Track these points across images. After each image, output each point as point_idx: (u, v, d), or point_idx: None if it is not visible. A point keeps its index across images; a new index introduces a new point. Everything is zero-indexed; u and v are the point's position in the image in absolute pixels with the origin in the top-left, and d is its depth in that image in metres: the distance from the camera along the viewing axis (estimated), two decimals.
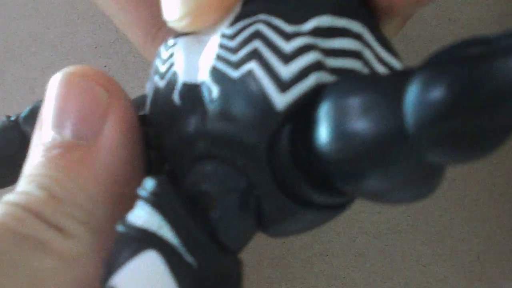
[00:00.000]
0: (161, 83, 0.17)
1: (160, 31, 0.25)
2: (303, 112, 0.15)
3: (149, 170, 0.19)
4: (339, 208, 0.17)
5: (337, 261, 0.33)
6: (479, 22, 0.33)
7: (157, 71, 0.18)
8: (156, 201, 0.14)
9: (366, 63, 0.16)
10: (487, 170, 0.33)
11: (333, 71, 0.15)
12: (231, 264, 0.15)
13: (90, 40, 0.35)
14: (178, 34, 0.17)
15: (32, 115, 0.23)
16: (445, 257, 0.33)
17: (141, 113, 0.19)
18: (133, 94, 0.35)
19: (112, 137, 0.16)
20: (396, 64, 0.17)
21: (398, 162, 0.12)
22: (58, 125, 0.16)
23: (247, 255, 0.37)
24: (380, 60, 0.16)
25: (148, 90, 0.19)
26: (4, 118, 0.24)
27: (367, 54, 0.16)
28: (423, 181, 0.13)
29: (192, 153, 0.16)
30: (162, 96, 0.17)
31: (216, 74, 0.15)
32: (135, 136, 0.17)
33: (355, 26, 0.16)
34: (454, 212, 0.33)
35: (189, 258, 0.14)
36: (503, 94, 0.10)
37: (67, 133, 0.16)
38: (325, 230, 0.33)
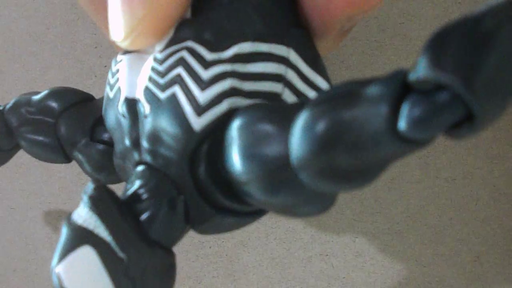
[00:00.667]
0: (111, 94, 0.20)
1: None
2: (217, 132, 0.17)
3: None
4: (255, 214, 0.18)
5: (337, 261, 0.33)
6: None
7: (108, 82, 0.20)
8: (93, 204, 0.16)
9: (287, 84, 0.17)
10: (487, 170, 0.33)
11: (250, 94, 0.17)
12: (161, 257, 0.17)
13: (90, 40, 0.35)
14: (125, 51, 0.19)
15: (16, 106, 0.23)
16: (445, 257, 0.33)
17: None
18: None
19: None
20: (321, 82, 0.18)
21: (287, 186, 0.14)
22: None
23: (247, 255, 0.37)
24: (304, 80, 0.18)
25: (104, 96, 0.21)
26: None
27: (290, 75, 0.18)
28: (317, 200, 0.14)
29: (133, 158, 0.19)
30: (111, 105, 0.19)
31: (148, 94, 0.18)
32: None
33: (279, 49, 0.17)
34: (454, 212, 0.33)
35: (120, 254, 0.16)
36: (364, 140, 0.11)
37: None
38: (325, 230, 0.33)
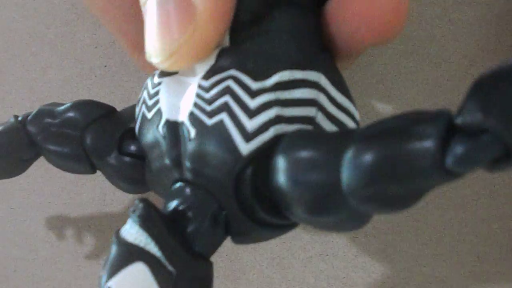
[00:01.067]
0: (148, 115, 0.20)
1: None
2: (263, 156, 0.18)
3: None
4: (290, 226, 0.20)
5: (337, 261, 0.33)
6: (479, 22, 0.33)
7: (144, 102, 0.21)
8: (143, 222, 0.17)
9: (320, 108, 0.19)
10: None
11: (290, 119, 0.18)
12: (204, 268, 0.18)
13: (90, 40, 0.35)
14: (162, 73, 0.20)
15: (38, 117, 0.24)
16: (445, 257, 0.33)
17: (133, 125, 0.23)
18: (133, 94, 0.35)
19: None
20: (349, 105, 0.20)
21: (333, 208, 0.15)
22: None
23: (247, 255, 0.37)
24: (334, 103, 0.19)
25: (137, 113, 0.22)
26: (12, 119, 0.25)
27: (322, 99, 0.19)
28: (357, 218, 0.16)
29: (172, 176, 0.20)
30: (149, 125, 0.20)
31: (193, 119, 0.19)
32: None
33: (311, 75, 0.18)
34: (454, 212, 0.33)
35: (170, 267, 0.17)
36: (413, 173, 0.13)
37: None
38: None
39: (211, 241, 0.19)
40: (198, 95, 0.19)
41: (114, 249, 0.17)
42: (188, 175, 0.19)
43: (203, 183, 0.19)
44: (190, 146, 0.19)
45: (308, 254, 0.34)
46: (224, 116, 0.18)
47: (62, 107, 0.24)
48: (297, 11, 0.20)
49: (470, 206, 0.33)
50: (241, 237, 0.20)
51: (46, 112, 0.24)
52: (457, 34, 0.33)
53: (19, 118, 0.24)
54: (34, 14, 0.35)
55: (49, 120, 0.23)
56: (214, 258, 0.35)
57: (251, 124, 0.18)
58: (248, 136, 0.18)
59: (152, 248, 0.17)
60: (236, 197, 0.19)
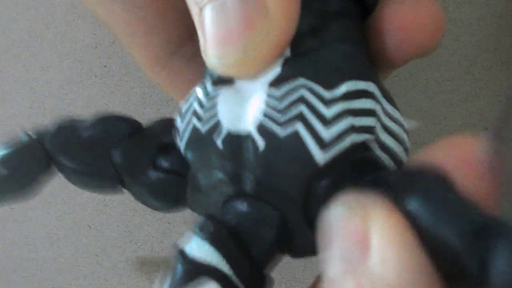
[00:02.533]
0: (203, 127, 0.19)
1: (172, 58, 0.25)
2: (340, 169, 0.18)
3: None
4: None
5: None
6: (479, 22, 0.33)
7: (195, 114, 0.20)
8: (214, 241, 0.17)
9: (378, 118, 0.19)
10: None
11: (358, 129, 0.18)
12: (269, 284, 0.18)
13: (90, 40, 0.35)
14: (217, 82, 0.19)
15: (60, 135, 0.22)
16: None
17: (167, 140, 0.22)
18: (133, 94, 0.35)
19: None
20: (398, 115, 0.20)
21: None
22: None
23: None
24: (387, 114, 0.19)
25: (183, 127, 0.20)
26: (24, 136, 0.23)
27: (379, 109, 0.19)
28: None
29: (226, 191, 0.19)
30: (203, 137, 0.19)
31: (263, 130, 0.18)
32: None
33: (369, 86, 0.18)
34: None
35: (240, 285, 0.17)
36: None
37: None
38: None
39: (275, 257, 0.18)
40: (268, 105, 0.18)
41: (181, 269, 0.17)
42: (249, 188, 0.18)
43: (266, 196, 0.18)
44: (258, 158, 0.18)
45: None
46: (299, 126, 0.17)
47: (86, 124, 0.22)
48: (352, 22, 0.20)
49: None
50: (303, 252, 0.19)
51: (68, 129, 0.22)
52: (457, 34, 0.33)
53: (34, 136, 0.23)
54: (34, 14, 0.35)
55: (73, 138, 0.22)
56: None
57: (328, 133, 0.17)
58: (324, 145, 0.17)
59: (224, 266, 0.17)
60: (304, 208, 0.18)
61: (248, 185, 0.18)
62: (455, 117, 0.33)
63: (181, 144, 0.21)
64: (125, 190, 0.23)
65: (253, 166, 0.18)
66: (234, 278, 0.17)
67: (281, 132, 0.18)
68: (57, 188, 0.36)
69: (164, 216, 0.34)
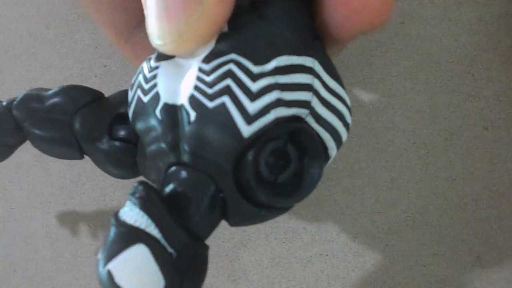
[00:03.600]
0: (145, 98, 0.20)
1: (133, 33, 0.27)
2: (265, 140, 0.18)
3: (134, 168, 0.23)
4: (286, 208, 0.20)
5: (337, 261, 0.33)
6: (479, 22, 0.33)
7: (140, 86, 0.21)
8: (144, 205, 0.18)
9: (315, 93, 0.19)
10: (487, 170, 0.33)
11: (289, 103, 0.19)
12: (202, 250, 0.19)
13: (90, 40, 0.35)
14: (159, 57, 0.20)
15: (25, 102, 0.24)
16: (445, 257, 0.33)
17: (123, 110, 0.23)
18: None
19: None
20: (341, 91, 0.20)
21: None
22: None
23: (248, 255, 0.37)
24: (327, 89, 0.20)
25: (131, 97, 0.22)
26: None
27: (317, 84, 0.19)
28: None
29: (168, 160, 0.20)
30: (146, 108, 0.20)
31: (194, 102, 0.19)
32: None
33: (307, 61, 0.19)
34: (454, 212, 0.33)
35: (170, 249, 0.17)
36: None
37: None
38: (325, 230, 0.33)
39: (209, 224, 0.19)
40: (198, 78, 0.19)
41: (113, 232, 0.18)
42: (185, 158, 0.19)
43: (201, 166, 0.19)
44: (190, 129, 0.19)
45: (308, 254, 0.34)
46: (226, 99, 0.18)
47: (50, 92, 0.24)
48: None
49: (470, 206, 0.33)
50: (237, 218, 0.20)
51: (33, 97, 0.24)
52: (457, 34, 0.33)
53: (3, 103, 0.24)
54: (34, 14, 0.35)
55: (37, 105, 0.23)
56: (214, 258, 0.35)
57: (253, 107, 0.18)
58: (250, 119, 0.18)
59: (153, 230, 0.17)
60: (235, 179, 0.19)
61: (184, 155, 0.19)
62: (455, 117, 0.33)
63: (130, 114, 0.21)
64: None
65: (187, 137, 0.19)
66: (163, 241, 0.17)
67: (209, 104, 0.18)
68: (57, 188, 0.36)
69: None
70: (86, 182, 0.36)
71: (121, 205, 0.36)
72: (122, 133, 0.22)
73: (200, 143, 0.19)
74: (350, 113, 0.21)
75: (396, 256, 0.33)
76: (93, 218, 0.36)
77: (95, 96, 0.24)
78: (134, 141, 0.22)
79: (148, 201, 0.18)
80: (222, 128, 0.18)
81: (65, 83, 0.35)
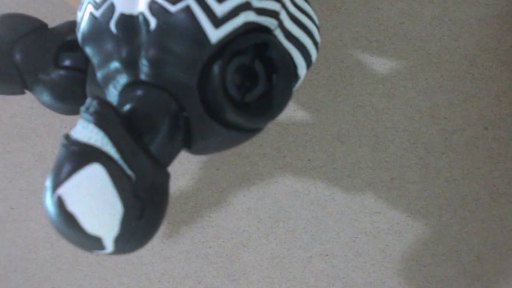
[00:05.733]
0: (97, 13, 0.19)
1: None
2: (233, 51, 0.17)
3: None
4: (255, 130, 0.19)
5: (337, 261, 0.33)
6: (479, 22, 0.33)
7: (92, 1, 0.19)
8: (99, 120, 0.16)
9: (283, 6, 0.18)
10: (487, 170, 0.33)
11: (259, 11, 0.18)
12: (162, 177, 0.17)
13: None
14: None
15: None
16: (445, 257, 0.33)
17: (71, 38, 0.21)
18: None
19: None
20: (309, 9, 0.20)
21: None
22: None
23: (248, 255, 0.37)
24: (295, 5, 0.19)
25: (80, 18, 0.20)
26: None
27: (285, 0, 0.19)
28: None
29: (122, 80, 0.18)
30: (98, 24, 0.19)
31: (154, 8, 0.17)
32: None
33: None
34: (454, 212, 0.33)
35: (128, 171, 0.16)
36: None
37: None
38: (325, 230, 0.33)
39: (170, 147, 0.18)
40: None
41: (63, 153, 0.16)
42: (144, 75, 0.18)
43: (161, 82, 0.18)
44: (149, 39, 0.17)
45: (308, 254, 0.34)
46: (190, 1, 0.17)
47: None
48: None
49: (470, 206, 0.33)
50: (203, 143, 0.19)
51: None
52: (457, 34, 0.32)
53: None
54: (34, 14, 0.35)
55: None
56: (214, 258, 0.35)
57: (221, 8, 0.17)
58: (217, 21, 0.17)
59: (110, 149, 0.16)
60: (199, 94, 0.18)
61: (143, 71, 0.18)
62: (455, 117, 0.33)
63: (79, 37, 0.20)
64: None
65: (146, 49, 0.18)
66: (121, 162, 0.16)
67: (172, 8, 0.17)
68: None
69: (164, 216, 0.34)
70: None
71: None
72: (68, 61, 0.21)
73: (161, 54, 0.17)
74: (319, 32, 0.20)
75: (396, 256, 0.33)
76: None
77: (38, 25, 0.22)
78: (82, 69, 0.21)
79: (105, 117, 0.16)
80: (187, 34, 0.17)
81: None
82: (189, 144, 0.19)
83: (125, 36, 0.18)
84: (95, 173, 0.15)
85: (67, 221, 0.15)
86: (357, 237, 0.33)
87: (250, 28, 0.18)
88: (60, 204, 0.15)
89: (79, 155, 0.16)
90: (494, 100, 0.33)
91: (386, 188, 0.33)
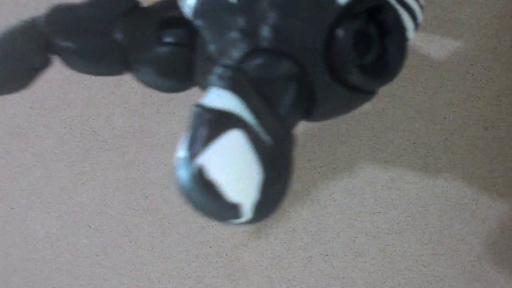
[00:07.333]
0: None
1: None
2: (361, 13, 0.17)
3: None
4: (373, 93, 0.19)
5: (337, 261, 0.33)
6: (479, 22, 0.33)
7: None
8: (235, 87, 0.16)
9: None
10: (487, 170, 0.33)
11: None
12: (291, 141, 0.17)
13: None
14: None
15: (55, 14, 0.21)
16: (445, 257, 0.33)
17: (169, 15, 0.21)
18: (133, 93, 0.35)
19: None
20: None
21: None
22: None
23: (248, 255, 0.37)
24: None
25: None
26: (20, 21, 0.22)
27: None
28: None
29: (237, 52, 0.18)
30: None
31: None
32: None
33: None
34: (454, 212, 0.33)
35: (266, 137, 0.16)
36: None
37: None
38: (325, 230, 0.33)
39: (295, 112, 0.18)
40: None
41: (198, 121, 0.15)
42: (267, 42, 0.17)
43: (285, 48, 0.17)
44: (272, 4, 0.17)
45: (308, 254, 0.33)
46: None
47: (82, 3, 0.21)
48: None
49: (470, 206, 0.33)
50: (325, 107, 0.18)
51: (63, 9, 0.21)
52: (457, 34, 0.32)
53: (27, 20, 0.22)
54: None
55: (69, 16, 0.21)
56: (214, 258, 0.34)
57: None
58: None
59: (247, 115, 0.16)
60: (325, 57, 0.17)
61: (265, 38, 0.17)
62: (455, 117, 0.33)
63: (189, 11, 0.20)
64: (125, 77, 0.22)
65: (269, 15, 0.17)
66: (258, 128, 0.16)
67: None
68: (57, 188, 0.36)
69: (164, 216, 0.34)
70: (86, 182, 0.35)
71: (122, 205, 0.36)
72: (171, 38, 0.21)
73: (286, 19, 0.17)
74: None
75: (396, 256, 0.33)
76: (93, 218, 0.35)
77: (133, 4, 0.22)
78: (186, 44, 0.20)
79: (240, 84, 0.16)
80: None
81: (65, 83, 0.35)
82: (311, 109, 0.19)
83: (246, 5, 0.18)
84: (236, 139, 0.15)
85: (207, 190, 0.15)
86: (357, 237, 0.33)
87: None
88: (201, 172, 0.15)
89: (217, 122, 0.15)
90: (494, 100, 0.33)
91: (386, 188, 0.33)
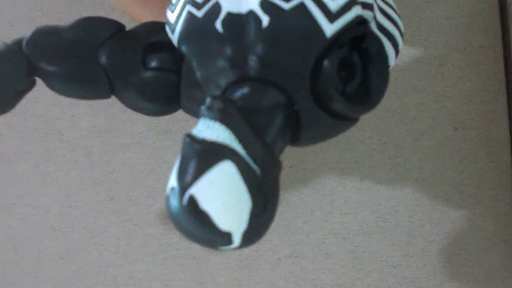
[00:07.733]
0: (199, 12, 0.19)
1: None
2: (346, 43, 0.18)
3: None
4: (356, 120, 0.20)
5: (306, 263, 0.33)
6: (449, 21, 0.33)
7: (189, 1, 0.19)
8: (225, 118, 0.16)
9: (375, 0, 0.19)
10: (457, 171, 0.33)
11: (363, 4, 0.18)
12: (278, 167, 0.17)
13: None
14: None
15: (39, 37, 0.21)
16: (415, 259, 0.33)
17: (154, 39, 0.21)
18: None
19: None
20: (391, 2, 0.21)
21: None
22: None
23: (215, 257, 0.37)
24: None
25: (174, 18, 0.20)
26: (0, 44, 0.22)
27: None
28: None
29: (225, 79, 0.18)
30: (200, 23, 0.19)
31: (267, 5, 0.18)
32: None
33: None
34: (424, 213, 0.33)
35: (254, 166, 0.16)
36: None
37: None
38: (294, 231, 0.33)
39: (282, 139, 0.18)
40: None
41: (189, 152, 0.16)
42: (254, 71, 0.18)
43: (272, 77, 0.18)
44: (261, 36, 0.18)
45: (277, 256, 0.33)
46: None
47: (66, 25, 0.21)
48: None
49: (439, 207, 0.33)
50: (310, 134, 0.19)
51: (47, 32, 0.21)
52: (427, 33, 0.33)
53: (8, 43, 0.22)
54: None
55: (54, 40, 0.21)
56: (181, 261, 0.34)
57: (334, 4, 0.17)
58: (331, 16, 0.17)
59: (236, 145, 0.16)
60: (311, 86, 0.18)
61: (253, 67, 0.18)
62: (425, 117, 0.33)
63: (174, 37, 0.20)
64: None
65: (257, 45, 0.18)
66: (248, 158, 0.16)
67: (285, 5, 0.17)
68: (20, 189, 0.35)
69: (130, 217, 0.34)
70: (50, 183, 0.35)
71: (86, 207, 0.36)
72: (157, 62, 0.21)
73: (274, 49, 0.18)
74: (401, 22, 0.21)
75: (366, 257, 0.33)
76: (57, 220, 0.35)
77: (118, 28, 0.22)
78: (171, 69, 0.21)
79: (230, 115, 0.16)
80: (302, 30, 0.17)
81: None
82: (297, 136, 0.19)
83: (233, 34, 0.18)
84: (226, 170, 0.16)
85: (199, 220, 0.16)
86: (326, 238, 0.33)
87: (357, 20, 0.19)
88: (193, 204, 0.15)
89: (208, 154, 0.16)
90: (464, 100, 0.33)
91: (356, 189, 0.33)
